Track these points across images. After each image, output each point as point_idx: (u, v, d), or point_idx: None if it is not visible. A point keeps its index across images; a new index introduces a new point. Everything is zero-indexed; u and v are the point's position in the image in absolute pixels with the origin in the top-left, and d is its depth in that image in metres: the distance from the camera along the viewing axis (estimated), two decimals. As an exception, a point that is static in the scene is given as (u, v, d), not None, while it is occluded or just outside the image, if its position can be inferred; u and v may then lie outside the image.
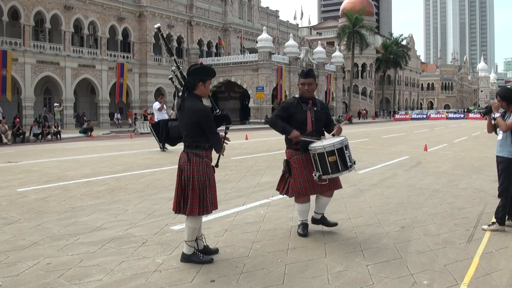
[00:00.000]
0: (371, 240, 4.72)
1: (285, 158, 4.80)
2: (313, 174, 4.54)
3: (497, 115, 5.06)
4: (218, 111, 4.13)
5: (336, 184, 4.80)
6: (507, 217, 5.10)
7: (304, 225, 4.86)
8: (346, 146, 4.55)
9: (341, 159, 4.47)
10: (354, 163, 4.63)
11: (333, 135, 4.78)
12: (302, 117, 4.66)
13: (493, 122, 5.24)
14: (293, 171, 4.67)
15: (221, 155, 4.05)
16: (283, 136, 4.80)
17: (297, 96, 4.82)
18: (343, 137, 4.62)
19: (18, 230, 5.07)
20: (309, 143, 4.58)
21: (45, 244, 4.54)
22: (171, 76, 4.22)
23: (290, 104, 4.74)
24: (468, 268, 3.89)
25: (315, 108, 4.74)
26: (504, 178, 5.01)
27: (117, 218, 5.60)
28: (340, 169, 4.48)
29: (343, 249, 4.41)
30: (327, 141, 4.57)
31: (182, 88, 4.02)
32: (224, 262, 4.01)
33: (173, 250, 4.33)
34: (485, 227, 5.12)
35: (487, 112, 5.30)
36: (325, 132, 4.91)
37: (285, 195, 4.90)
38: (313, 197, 4.88)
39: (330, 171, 4.48)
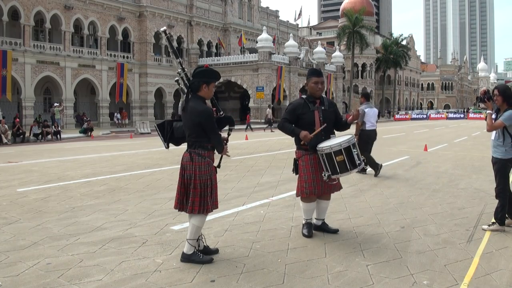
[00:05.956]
0: (371, 240, 4.72)
1: (295, 157, 4.83)
2: (323, 174, 4.55)
3: (488, 111, 5.02)
4: (222, 113, 4.21)
5: (336, 186, 4.81)
6: (506, 216, 5.10)
7: (309, 226, 4.85)
8: (354, 145, 4.54)
9: (349, 158, 4.46)
10: (363, 161, 4.62)
11: (346, 122, 4.81)
12: (310, 117, 4.63)
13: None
14: (300, 170, 4.69)
15: (223, 156, 4.09)
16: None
17: (304, 96, 4.80)
18: (350, 136, 4.60)
19: (18, 230, 5.07)
20: (319, 142, 4.58)
21: (45, 244, 4.55)
22: (177, 78, 4.27)
23: (297, 105, 4.71)
24: (468, 268, 3.89)
25: (322, 107, 4.71)
26: (500, 179, 5.00)
27: (117, 218, 5.60)
28: (349, 168, 4.47)
29: (343, 249, 4.41)
30: (334, 141, 4.55)
31: (187, 90, 4.06)
32: (224, 262, 4.02)
33: (173, 250, 4.33)
34: (485, 227, 5.12)
35: (482, 100, 5.08)
36: (335, 131, 4.86)
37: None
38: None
39: (339, 171, 4.48)
